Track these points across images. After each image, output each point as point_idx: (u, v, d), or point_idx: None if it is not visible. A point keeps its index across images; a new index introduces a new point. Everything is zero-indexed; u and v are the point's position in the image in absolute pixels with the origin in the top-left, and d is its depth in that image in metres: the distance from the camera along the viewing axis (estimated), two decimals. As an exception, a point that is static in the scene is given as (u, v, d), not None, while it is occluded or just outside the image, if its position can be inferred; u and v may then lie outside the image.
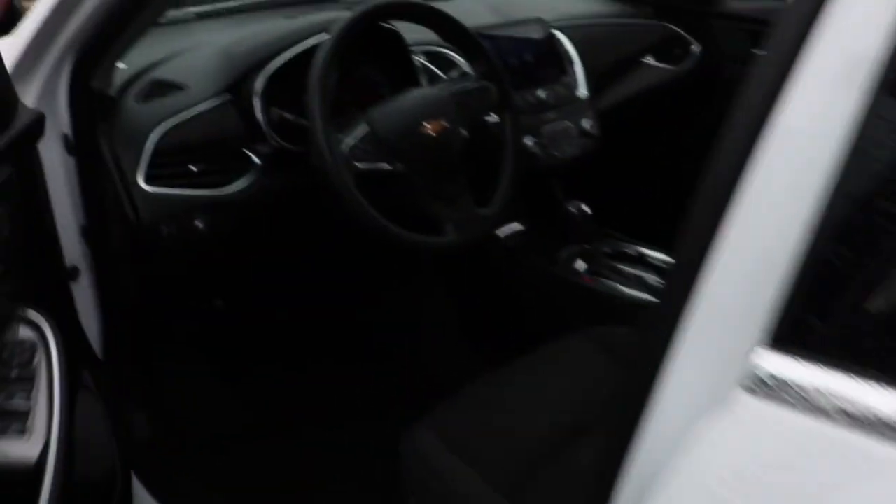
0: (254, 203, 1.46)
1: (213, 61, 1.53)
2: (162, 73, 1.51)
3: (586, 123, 1.87)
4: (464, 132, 1.45)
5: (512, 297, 1.91)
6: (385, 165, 1.35)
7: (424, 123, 1.38)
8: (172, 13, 1.79)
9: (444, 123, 1.40)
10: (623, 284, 1.75)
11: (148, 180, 1.37)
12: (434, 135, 1.38)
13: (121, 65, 1.40)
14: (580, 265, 1.82)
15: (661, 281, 1.76)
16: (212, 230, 1.42)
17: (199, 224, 1.40)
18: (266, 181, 1.48)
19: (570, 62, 1.93)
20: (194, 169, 1.42)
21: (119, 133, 1.38)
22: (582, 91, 1.93)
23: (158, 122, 1.40)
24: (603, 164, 1.96)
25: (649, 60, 2.24)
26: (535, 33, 1.87)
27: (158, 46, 1.60)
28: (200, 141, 1.42)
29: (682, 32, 2.35)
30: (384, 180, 1.36)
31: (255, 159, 1.48)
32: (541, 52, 1.87)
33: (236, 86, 1.48)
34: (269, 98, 1.49)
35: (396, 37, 1.58)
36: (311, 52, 1.47)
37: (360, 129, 1.35)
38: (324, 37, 1.44)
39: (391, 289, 2.11)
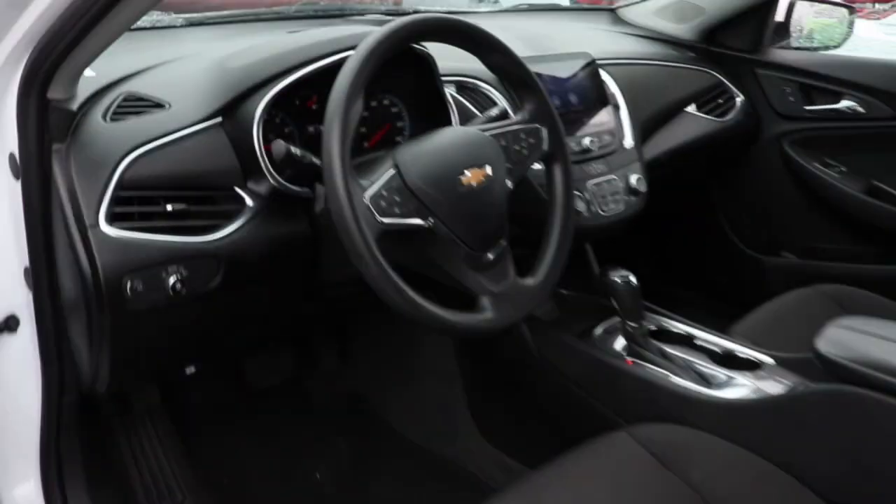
0: (244, 255, 1.17)
1: (203, 76, 1.25)
2: (139, 87, 1.22)
3: (633, 178, 1.61)
4: (509, 184, 1.18)
5: (536, 378, 1.63)
6: (414, 221, 1.06)
7: (465, 172, 1.10)
8: (156, 16, 1.50)
9: (488, 172, 1.13)
10: (669, 371, 1.47)
11: (111, 220, 1.07)
12: (475, 186, 1.11)
13: (88, 72, 1.10)
14: (619, 344, 1.55)
15: (713, 367, 1.49)
16: (189, 289, 1.12)
17: (173, 281, 1.10)
18: (260, 229, 1.19)
19: (617, 107, 1.68)
20: (171, 209, 1.12)
21: (79, 157, 1.08)
22: (629, 140, 1.67)
23: (130, 147, 1.11)
24: (641, 224, 1.71)
25: (692, 110, 2.00)
26: (581, 71, 1.61)
27: (136, 54, 1.32)
28: (181, 174, 1.13)
29: (726, 81, 2.13)
30: (409, 239, 1.08)
31: (249, 201, 1.19)
32: (586, 94, 1.61)
33: (230, 108, 1.19)
34: (270, 126, 1.21)
35: (428, 62, 1.31)
36: (326, 73, 1.20)
37: (384, 174, 1.06)
38: (342, 56, 1.17)
39: (391, 362, 1.84)
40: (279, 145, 1.06)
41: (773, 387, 1.40)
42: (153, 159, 1.11)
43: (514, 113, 1.28)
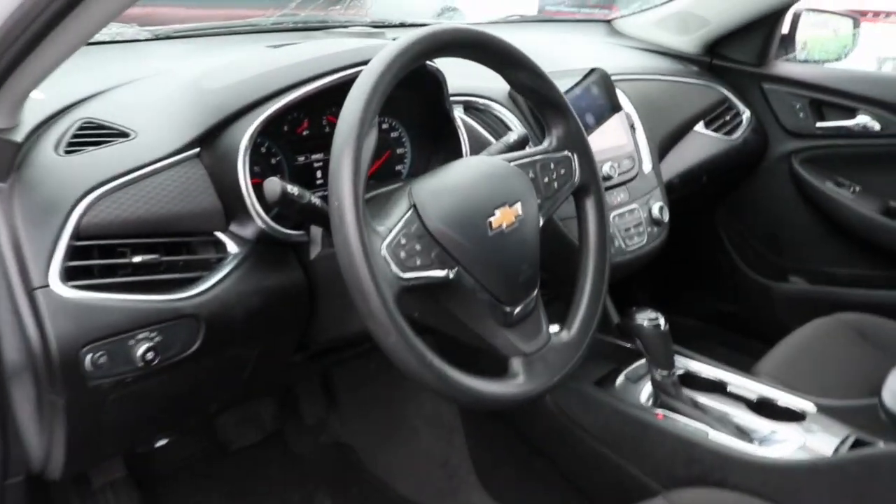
0: (228, 313, 0.98)
1: (176, 99, 1.06)
2: (98, 112, 1.02)
3: (656, 207, 1.45)
4: (540, 223, 1.00)
5: (552, 432, 1.45)
6: (437, 273, 0.88)
7: (495, 211, 0.92)
8: (117, 29, 1.30)
9: (519, 211, 0.95)
10: (705, 424, 1.31)
11: (65, 278, 0.87)
12: (506, 228, 0.93)
13: (36, 95, 0.90)
14: (645, 393, 1.38)
15: (752, 418, 1.33)
16: (163, 357, 0.92)
17: (143, 350, 0.90)
18: (247, 280, 1.00)
19: (633, 128, 1.52)
20: (139, 261, 0.93)
21: (25, 199, 0.89)
22: (647, 164, 1.51)
23: (89, 186, 0.91)
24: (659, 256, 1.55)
25: (701, 129, 1.85)
26: (596, 89, 1.44)
27: (94, 72, 1.12)
28: (151, 218, 0.94)
29: (732, 96, 1.99)
30: (428, 291, 0.90)
31: (232, 247, 1.00)
32: (602, 115, 1.44)
33: (209, 137, 1.01)
34: (255, 157, 1.02)
35: (437, 79, 1.13)
36: (321, 95, 1.02)
37: (401, 216, 0.88)
38: (345, 75, 0.99)
39: (382, 410, 1.66)
40: (273, 184, 0.87)
41: (825, 442, 1.25)
42: (117, 200, 0.92)
43: (538, 138, 1.11)
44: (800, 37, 2.08)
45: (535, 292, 0.99)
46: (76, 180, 0.91)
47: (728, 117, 1.97)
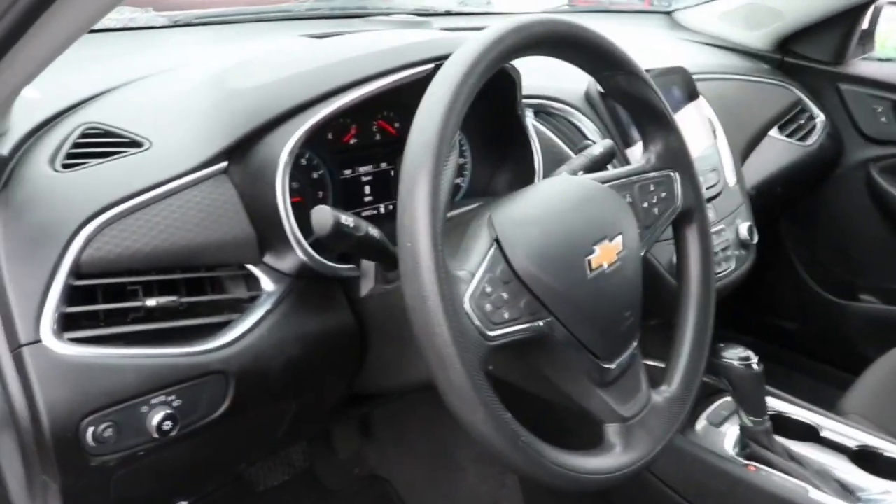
0: (263, 366, 0.80)
1: (198, 101, 0.88)
2: (103, 116, 0.84)
3: (744, 228, 1.27)
4: (641, 258, 0.82)
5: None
6: (527, 327, 0.70)
7: (595, 248, 0.74)
8: (130, 13, 1.11)
9: (621, 247, 0.77)
10: (803, 479, 1.13)
11: (61, 329, 0.69)
12: (607, 269, 0.75)
13: (29, 92, 0.72)
14: (730, 440, 1.20)
15: (855, 473, 1.15)
16: (183, 425, 0.74)
17: (159, 419, 0.72)
18: (286, 324, 0.82)
19: (715, 135, 1.33)
20: (154, 304, 0.75)
21: (12, 227, 0.71)
22: (731, 177, 1.32)
23: (93, 211, 0.73)
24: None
25: (776, 134, 1.66)
26: (679, 92, 1.26)
27: (101, 66, 0.94)
28: (168, 249, 0.76)
29: (806, 98, 1.80)
30: (513, 347, 0.71)
31: (268, 283, 0.82)
32: (685, 120, 1.25)
33: (240, 149, 0.82)
34: (296, 173, 0.84)
35: (511, 79, 0.95)
36: (380, 97, 0.84)
37: (483, 255, 0.70)
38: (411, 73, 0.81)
39: (421, 440, 1.48)
40: (323, 213, 0.69)
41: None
42: (126, 228, 0.74)
43: (621, 151, 0.93)
44: (881, 33, 1.89)
45: (636, 344, 0.82)
46: (76, 203, 0.73)
47: (802, 121, 1.79)
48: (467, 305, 0.65)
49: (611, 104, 1.16)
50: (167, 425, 0.72)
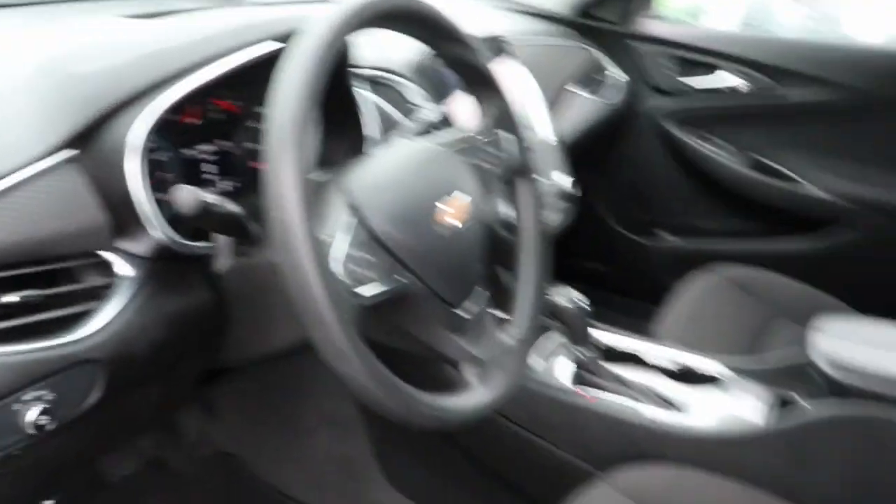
0: (131, 350, 0.81)
1: (36, 87, 0.85)
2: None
3: (566, 181, 1.38)
4: (485, 214, 0.91)
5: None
6: (393, 285, 0.76)
7: (438, 205, 0.81)
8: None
9: (466, 203, 0.85)
10: (633, 399, 1.27)
11: None
12: (453, 223, 0.82)
13: None
14: (564, 373, 1.32)
15: (676, 388, 1.31)
16: (58, 417, 0.75)
17: (34, 415, 0.72)
18: (149, 306, 0.83)
19: (529, 96, 1.44)
20: (7, 301, 0.74)
21: None
22: (547, 135, 1.43)
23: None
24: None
25: (575, 90, 1.80)
26: (498, 57, 1.35)
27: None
28: (16, 243, 0.75)
29: (601, 56, 1.96)
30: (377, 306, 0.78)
31: (125, 268, 0.83)
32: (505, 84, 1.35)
33: (87, 135, 0.82)
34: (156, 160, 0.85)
35: (342, 54, 0.99)
36: (228, 76, 0.86)
37: (343, 220, 0.75)
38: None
39: (269, 412, 1.51)
40: (187, 193, 0.71)
41: (751, 406, 1.24)
42: None
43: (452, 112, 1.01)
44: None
45: (483, 290, 0.90)
46: None
47: (600, 78, 1.94)
48: (336, 268, 0.70)
49: (436, 72, 1.23)
50: (43, 420, 0.73)
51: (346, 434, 1.55)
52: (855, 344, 1.17)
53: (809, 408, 1.15)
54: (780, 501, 1.13)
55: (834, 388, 1.12)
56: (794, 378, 1.27)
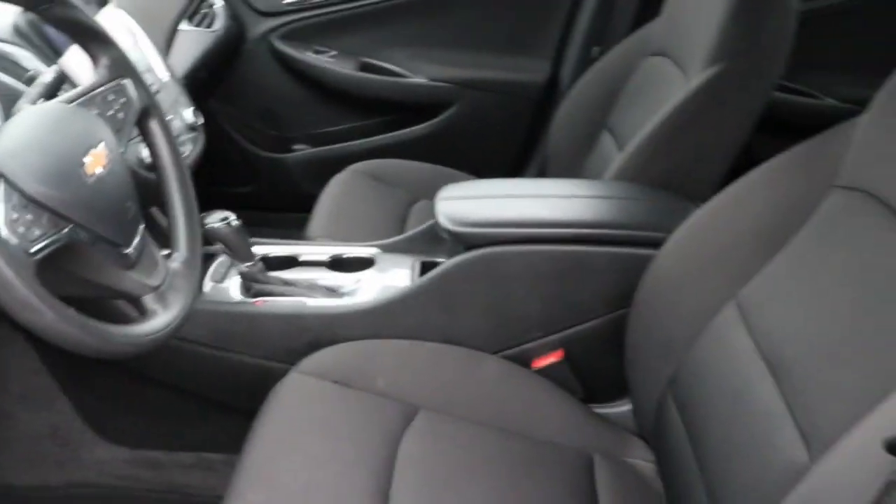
0: None
1: None
2: None
3: (188, 113, 1.47)
4: (123, 156, 0.99)
5: (161, 357, 1.44)
6: (57, 236, 0.83)
7: (85, 159, 0.89)
8: None
9: (105, 151, 0.92)
10: (299, 296, 1.43)
11: None
12: (102, 172, 0.90)
13: None
14: (234, 289, 1.43)
15: (334, 277, 1.48)
16: None
17: None
18: None
19: (136, 39, 1.48)
20: None
21: None
22: (163, 72, 1.50)
23: None
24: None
25: (186, 26, 1.87)
26: (94, 6, 1.37)
27: None
28: None
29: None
30: (48, 261, 0.84)
31: None
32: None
33: None
34: None
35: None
36: None
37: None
38: None
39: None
40: None
41: (400, 276, 1.45)
42: None
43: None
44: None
45: (143, 227, 0.99)
46: None
47: (205, 10, 2.00)
48: (4, 233, 0.76)
49: (41, 31, 1.23)
50: None
51: (46, 406, 1.54)
52: (469, 201, 1.41)
53: (443, 261, 1.38)
54: (444, 345, 1.36)
55: (460, 241, 1.35)
56: (432, 243, 1.50)
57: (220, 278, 1.47)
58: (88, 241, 0.87)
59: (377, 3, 2.19)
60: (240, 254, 1.40)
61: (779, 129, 1.83)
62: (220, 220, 1.36)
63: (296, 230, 1.85)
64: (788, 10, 1.44)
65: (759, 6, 1.43)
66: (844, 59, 2.25)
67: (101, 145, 0.92)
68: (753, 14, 1.42)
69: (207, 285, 1.45)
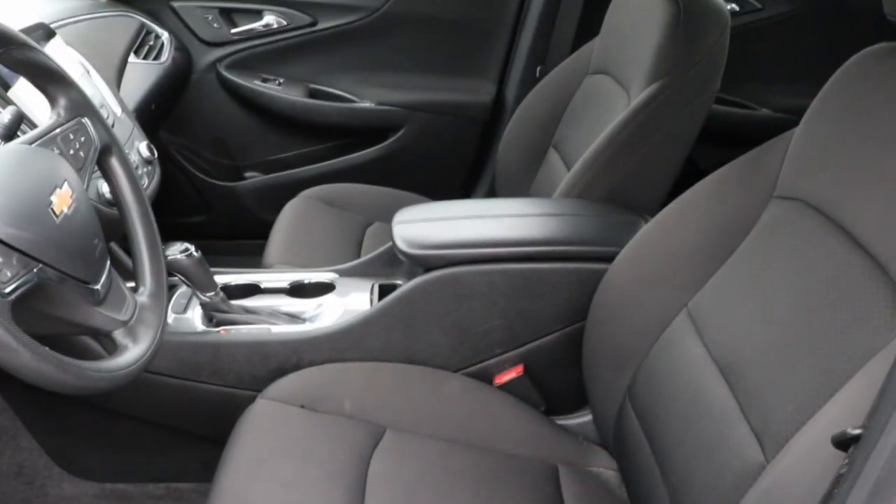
0: None
1: None
2: None
3: (143, 147, 1.48)
4: (88, 194, 1.00)
5: (128, 393, 1.44)
6: (28, 277, 0.84)
7: (52, 198, 0.90)
8: None
9: (70, 190, 0.94)
10: (263, 324, 1.45)
11: None
12: (68, 211, 0.92)
13: None
14: (198, 320, 1.44)
15: (296, 303, 1.50)
16: None
17: None
18: None
19: (89, 74, 1.49)
20: None
21: None
22: (116, 107, 1.51)
23: None
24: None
25: (134, 59, 1.88)
26: (45, 45, 1.38)
27: None
28: None
29: (148, 21, 2.04)
30: (20, 303, 0.85)
31: None
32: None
33: None
34: None
35: None
36: None
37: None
38: None
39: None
40: None
41: (360, 300, 1.47)
42: None
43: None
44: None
45: (109, 263, 1.00)
46: None
47: (152, 42, 2.01)
48: None
49: None
50: None
51: (11, 444, 1.52)
52: (424, 224, 1.45)
53: (401, 284, 1.41)
54: (406, 365, 1.38)
55: (418, 263, 1.38)
56: (389, 266, 1.53)
57: (182, 309, 1.47)
58: (58, 280, 0.88)
59: (322, 31, 2.22)
60: (201, 284, 1.41)
61: (719, 140, 1.92)
62: (181, 251, 1.37)
63: (252, 257, 1.86)
64: (722, 26, 1.52)
65: (695, 23, 1.50)
66: (775, 70, 2.34)
67: (66, 185, 0.93)
68: (689, 31, 1.49)
69: (170, 317, 1.46)
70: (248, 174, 2.38)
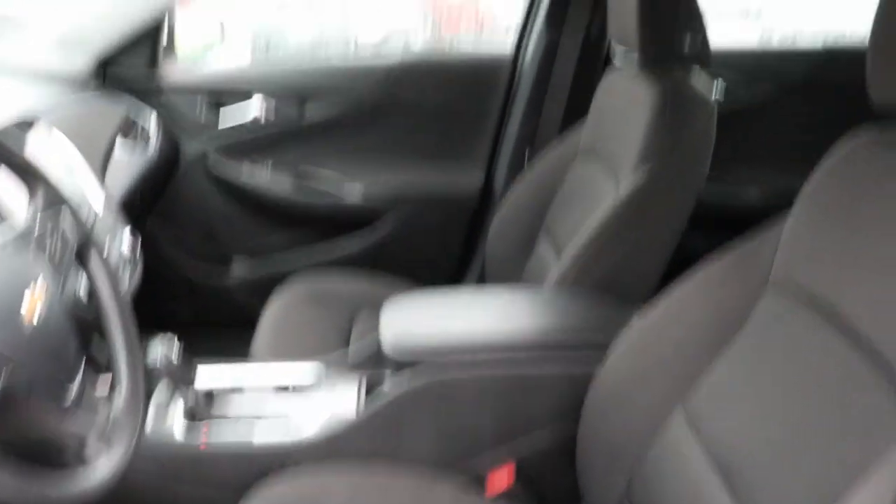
0: None
1: None
2: None
3: (126, 247, 1.45)
4: (63, 292, 0.97)
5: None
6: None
7: (24, 301, 0.87)
8: None
9: (43, 292, 0.91)
10: (246, 428, 1.37)
11: None
12: (40, 312, 0.89)
13: None
14: (178, 423, 1.37)
15: (281, 404, 1.44)
16: None
17: None
18: None
19: (70, 162, 1.47)
20: None
21: None
22: (99, 205, 1.48)
23: None
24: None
25: (121, 150, 1.87)
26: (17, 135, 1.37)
27: None
28: None
29: (137, 111, 2.05)
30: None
31: None
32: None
33: None
34: None
35: None
36: None
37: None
38: None
39: None
40: None
41: (347, 399, 1.41)
42: None
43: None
44: (179, 38, 2.22)
45: (84, 363, 0.97)
46: None
47: (139, 131, 2.00)
48: None
49: None
50: None
51: None
52: (413, 325, 1.41)
53: (387, 389, 1.35)
54: (395, 472, 1.32)
55: (402, 365, 1.35)
56: (375, 362, 1.48)
57: (162, 406, 1.42)
58: (29, 384, 0.85)
59: (310, 122, 2.23)
60: (183, 381, 1.37)
61: (709, 224, 1.90)
62: (163, 347, 1.33)
63: (239, 346, 1.82)
64: (708, 113, 1.52)
65: (682, 108, 1.49)
66: (763, 153, 2.35)
67: (39, 288, 0.90)
68: (677, 116, 1.49)
69: (151, 411, 1.40)
70: (238, 262, 2.35)
